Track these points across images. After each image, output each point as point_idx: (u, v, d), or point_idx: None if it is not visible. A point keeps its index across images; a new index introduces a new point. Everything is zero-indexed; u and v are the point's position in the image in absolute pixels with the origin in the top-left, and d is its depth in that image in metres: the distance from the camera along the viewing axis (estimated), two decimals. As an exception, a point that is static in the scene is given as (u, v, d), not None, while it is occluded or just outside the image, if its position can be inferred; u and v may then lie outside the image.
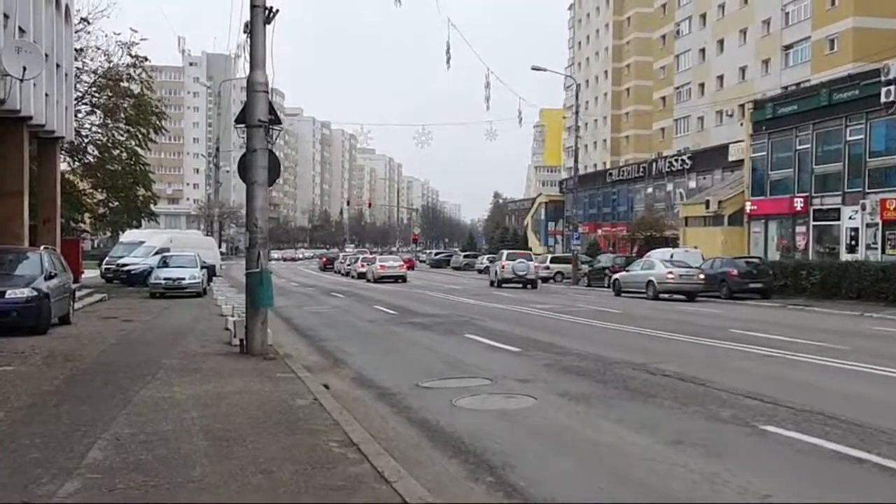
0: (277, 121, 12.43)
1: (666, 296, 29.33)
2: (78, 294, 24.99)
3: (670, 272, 29.96)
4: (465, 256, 79.00)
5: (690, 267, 30.78)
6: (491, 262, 49.19)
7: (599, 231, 75.55)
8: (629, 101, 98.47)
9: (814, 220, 37.40)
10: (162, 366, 10.98)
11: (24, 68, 17.26)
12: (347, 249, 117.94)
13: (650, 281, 30.18)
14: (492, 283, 41.23)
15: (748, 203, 41.82)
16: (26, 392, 8.75)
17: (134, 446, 6.36)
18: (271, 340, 12.74)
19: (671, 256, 35.15)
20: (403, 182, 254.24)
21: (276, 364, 11.43)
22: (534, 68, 46.41)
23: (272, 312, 17.55)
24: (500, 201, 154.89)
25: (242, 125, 12.43)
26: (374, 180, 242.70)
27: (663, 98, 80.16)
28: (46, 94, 22.28)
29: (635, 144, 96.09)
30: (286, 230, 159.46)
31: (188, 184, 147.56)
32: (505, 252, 43.28)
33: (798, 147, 38.39)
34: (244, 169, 12.34)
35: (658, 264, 31.13)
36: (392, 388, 10.29)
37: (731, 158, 51.69)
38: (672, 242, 54.17)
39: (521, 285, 38.46)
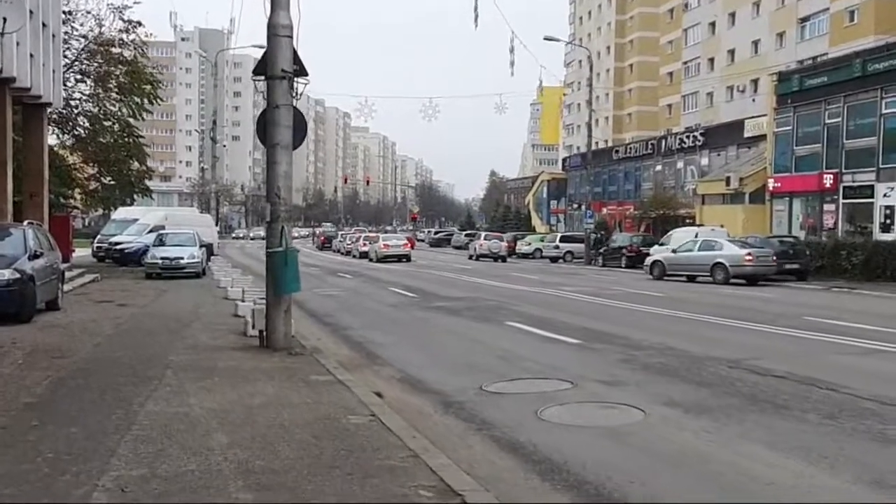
0: (303, 71, 10.44)
1: (706, 278, 27.07)
2: (68, 275, 22.98)
3: (749, 254, 26.67)
4: (466, 235, 76.99)
5: (764, 247, 28.13)
6: (470, 241, 59.63)
7: (605, 210, 73.65)
8: (633, 77, 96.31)
9: (844, 197, 35.52)
10: (169, 364, 9.06)
11: (4, 20, 15.21)
12: (345, 228, 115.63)
13: (719, 264, 26.76)
14: (470, 257, 50.86)
15: (771, 180, 39.91)
16: (-1, 405, 6.81)
17: (147, 501, 4.46)
18: (293, 331, 10.83)
19: (696, 235, 33.28)
20: (397, 161, 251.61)
21: (304, 361, 9.53)
22: (546, 38, 44.34)
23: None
24: (497, 180, 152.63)
25: (261, 77, 10.44)
26: (367, 159, 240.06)
27: (670, 73, 78.06)
28: (31, 55, 20.19)
29: (639, 122, 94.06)
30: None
31: (181, 161, 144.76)
32: (482, 233, 57.20)
33: (827, 121, 36.43)
34: (264, 128, 10.36)
35: (728, 244, 27.86)
36: (453, 393, 8.41)
37: (747, 134, 49.80)
38: (686, 221, 52.41)
39: (493, 259, 48.54)
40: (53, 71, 22.58)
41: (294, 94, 10.36)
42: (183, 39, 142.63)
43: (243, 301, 14.54)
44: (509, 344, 12.01)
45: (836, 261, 28.14)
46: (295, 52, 10.35)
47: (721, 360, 10.11)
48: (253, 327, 10.51)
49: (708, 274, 27.04)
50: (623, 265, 38.40)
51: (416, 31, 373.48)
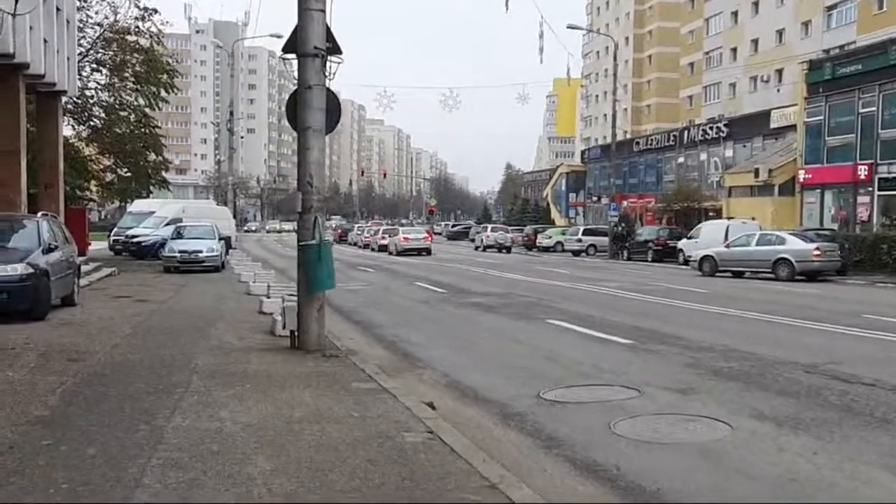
0: (337, 49, 9.60)
1: (749, 273, 25.93)
2: (84, 269, 22.32)
3: (817, 248, 25.11)
4: (493, 230, 76.01)
5: (832, 241, 26.85)
6: (478, 233, 62.58)
7: (625, 202, 72.65)
8: (651, 68, 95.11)
9: (879, 189, 34.39)
10: (195, 369, 8.26)
11: (16, 0, 14.39)
12: (363, 222, 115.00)
13: (783, 259, 25.08)
14: (476, 248, 54.55)
15: (801, 171, 38.77)
16: (6, 421, 6.02)
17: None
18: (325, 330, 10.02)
19: (727, 229, 32.32)
20: (412, 154, 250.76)
21: (341, 365, 8.72)
22: (570, 27, 43.40)
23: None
24: (513, 173, 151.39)
25: (291, 55, 9.60)
26: (382, 151, 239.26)
27: (691, 64, 76.78)
28: (45, 41, 19.44)
29: (657, 114, 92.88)
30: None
31: (196, 154, 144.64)
32: (489, 226, 63.01)
33: (861, 110, 35.29)
34: (295, 111, 9.54)
35: (792, 238, 26.25)
36: (509, 402, 7.57)
37: (773, 125, 48.64)
38: (710, 214, 51.32)
39: (497, 249, 51.97)
40: (68, 58, 21.84)
41: (327, 74, 9.53)
42: (197, 32, 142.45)
43: (268, 297, 13.76)
44: (556, 344, 11.16)
45: (876, 255, 27.09)
46: (328, 28, 9.52)
47: (795, 365, 9.22)
48: (284, 327, 9.71)
49: (767, 271, 25.37)
50: (650, 259, 37.43)
51: (428, 22, 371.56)
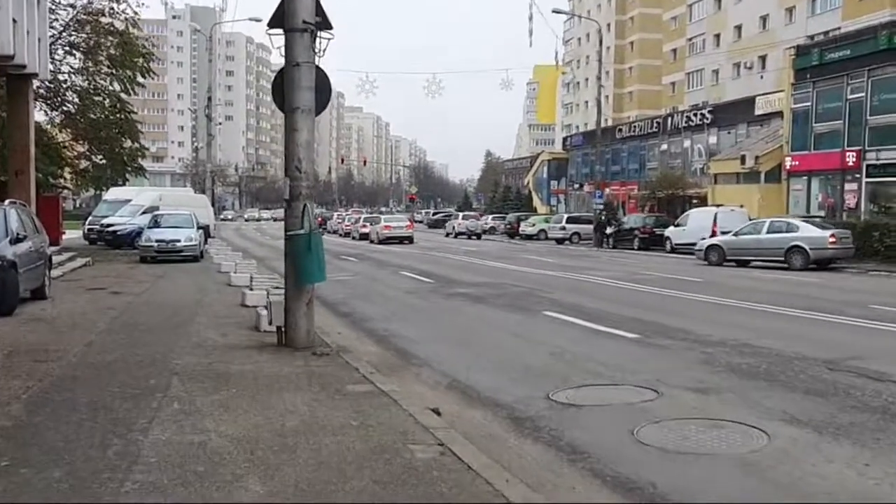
0: (327, 24, 8.90)
1: (759, 262, 25.32)
2: (57, 259, 21.49)
3: (832, 235, 24.25)
4: (464, 217, 75.49)
5: (845, 228, 26.13)
6: (448, 221, 65.70)
7: (608, 190, 72.33)
8: (633, 55, 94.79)
9: (867, 176, 34.10)
10: (175, 369, 7.59)
11: (-19, -25, 13.58)
12: (343, 210, 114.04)
13: (797, 248, 24.16)
14: (447, 235, 56.76)
15: (788, 158, 38.43)
16: (-38, 434, 5.32)
17: None
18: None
19: (715, 216, 31.92)
20: (391, 141, 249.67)
21: (333, 363, 8.08)
22: (555, 11, 42.68)
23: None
24: (493, 160, 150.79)
25: (278, 31, 8.90)
26: (361, 139, 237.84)
27: (674, 50, 76.47)
28: (14, 20, 18.56)
29: (640, 101, 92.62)
30: (274, 189, 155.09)
31: (173, 142, 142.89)
32: (460, 213, 66.68)
33: (850, 96, 34.94)
34: (282, 91, 8.85)
35: (806, 225, 25.46)
36: (518, 405, 6.97)
37: (758, 112, 48.31)
38: (694, 202, 51.00)
39: (467, 236, 53.96)
40: (39, 39, 20.89)
41: (316, 51, 8.84)
42: (174, 17, 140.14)
43: (251, 290, 13.07)
44: (557, 339, 10.57)
45: (867, 243, 26.72)
46: (317, 1, 8.82)
47: (815, 361, 8.68)
48: (270, 323, 9.04)
49: (779, 260, 24.53)
50: (635, 247, 36.99)
51: (402, 6, 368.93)
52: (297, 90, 8.66)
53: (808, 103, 37.52)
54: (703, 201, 49.62)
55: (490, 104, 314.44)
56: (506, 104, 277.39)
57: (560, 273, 21.65)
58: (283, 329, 8.93)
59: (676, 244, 34.61)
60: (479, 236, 54.66)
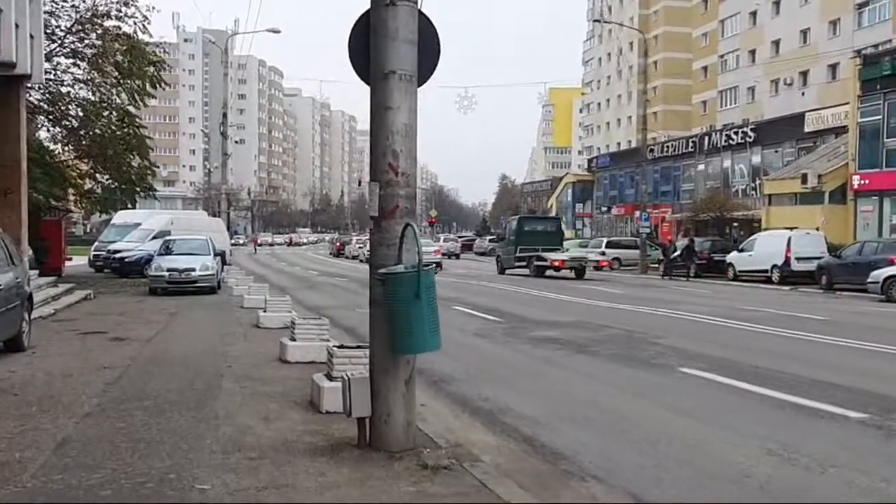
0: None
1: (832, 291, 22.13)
2: (53, 292, 18.41)
3: None
4: (490, 241, 72.30)
5: None
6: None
7: (637, 213, 69.27)
8: (658, 74, 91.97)
9: (951, 195, 30.85)
10: (201, 510, 4.37)
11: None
12: (354, 234, 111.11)
13: None
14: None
15: (855, 177, 35.17)
16: None
17: None
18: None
19: (789, 240, 28.64)
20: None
21: (459, 484, 4.85)
22: (595, 20, 39.70)
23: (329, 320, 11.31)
24: (509, 183, 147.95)
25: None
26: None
27: (705, 68, 73.61)
28: (0, 10, 15.61)
29: (664, 121, 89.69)
30: (287, 214, 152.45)
31: (184, 166, 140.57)
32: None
33: (927, 108, 31.79)
34: (364, 46, 5.67)
35: None
36: None
37: (808, 129, 45.25)
38: (734, 224, 47.68)
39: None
40: (32, 36, 17.88)
41: (416, -10, 5.67)
42: (186, 40, 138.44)
43: (293, 339, 9.84)
44: (747, 421, 7.27)
45: None
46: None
47: None
48: (349, 413, 5.72)
49: None
50: (691, 274, 33.58)
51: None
52: (392, 44, 5.48)
53: (878, 117, 34.35)
54: (750, 224, 46.45)
55: (500, 127, 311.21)
56: (516, 127, 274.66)
57: (642, 308, 18.32)
58: (365, 422, 5.69)
59: (741, 271, 31.36)
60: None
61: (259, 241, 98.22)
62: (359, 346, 7.31)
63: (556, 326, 14.58)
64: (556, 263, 31.77)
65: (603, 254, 44.88)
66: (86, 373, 8.77)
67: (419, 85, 5.68)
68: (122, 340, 11.64)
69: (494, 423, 7.26)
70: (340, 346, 7.19)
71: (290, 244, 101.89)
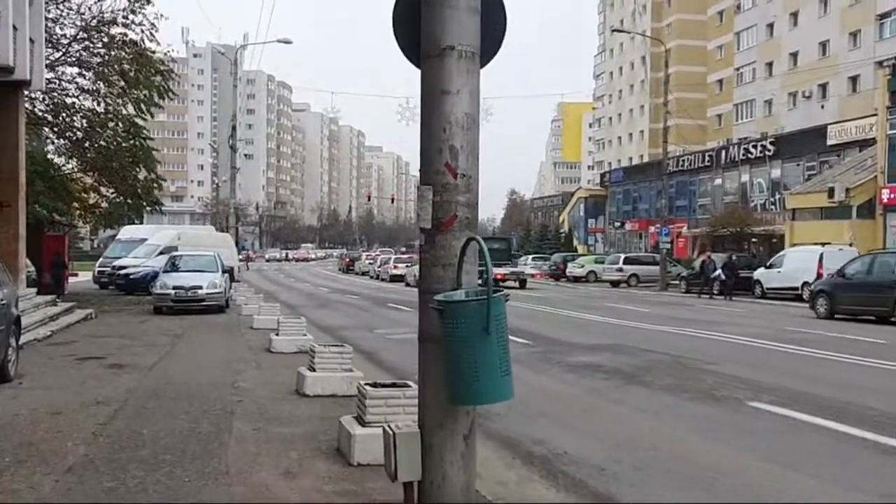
0: None
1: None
2: (52, 311, 17.31)
3: None
4: (503, 257, 71.20)
5: None
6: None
7: (652, 228, 68.08)
8: (671, 87, 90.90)
9: None
10: None
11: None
12: (361, 250, 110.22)
13: None
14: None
15: (885, 190, 33.92)
16: None
17: None
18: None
19: (821, 256, 27.38)
20: (410, 181, 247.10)
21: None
22: (615, 30, 38.77)
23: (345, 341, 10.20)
24: (517, 199, 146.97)
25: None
26: (381, 179, 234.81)
27: (720, 81, 72.51)
28: (-4, 11, 14.63)
29: (677, 135, 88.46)
30: (295, 229, 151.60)
31: (192, 181, 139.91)
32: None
33: (962, 119, 30.59)
34: (412, 18, 4.54)
35: None
36: None
37: (830, 142, 44.13)
38: (753, 239, 46.47)
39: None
40: (31, 40, 16.92)
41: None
42: (195, 56, 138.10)
43: (313, 370, 8.69)
44: (857, 470, 6.12)
45: None
46: None
47: None
48: (394, 477, 4.53)
49: None
50: (715, 292, 32.28)
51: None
52: (450, 13, 4.36)
53: (909, 127, 33.13)
54: (769, 239, 45.23)
55: (508, 142, 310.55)
56: (523, 142, 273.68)
57: (680, 329, 17.10)
58: (416, 485, 4.52)
59: (769, 288, 30.12)
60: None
61: (267, 258, 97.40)
62: (394, 384, 6.16)
63: (594, 351, 13.38)
64: (499, 276, 36.04)
65: (620, 270, 43.74)
66: (76, 410, 7.63)
67: (482, 65, 4.55)
68: (121, 368, 10.52)
69: (555, 474, 6.09)
70: (374, 385, 6.03)
71: (297, 260, 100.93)
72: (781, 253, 31.58)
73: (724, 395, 9.27)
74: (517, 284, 39.06)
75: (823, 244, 28.90)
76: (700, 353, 13.04)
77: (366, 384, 6.07)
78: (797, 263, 28.53)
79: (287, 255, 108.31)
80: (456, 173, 4.38)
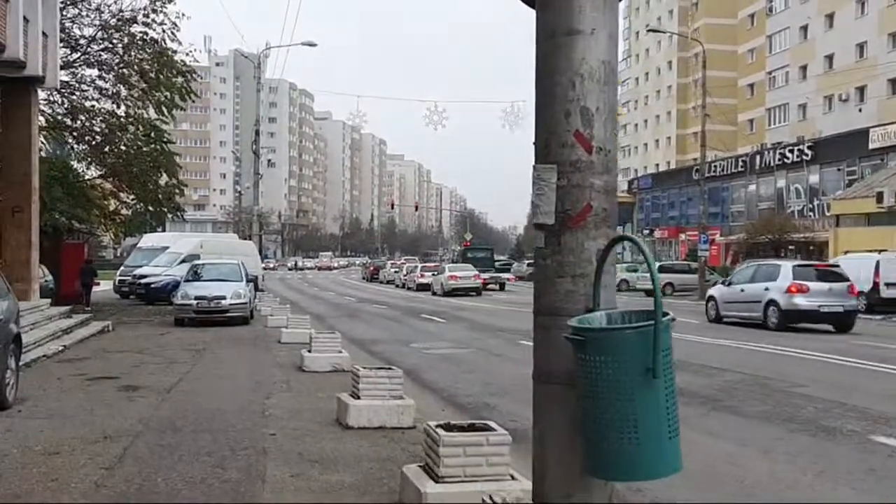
0: None
1: None
2: (66, 324, 16.16)
3: None
4: (528, 265, 69.82)
5: None
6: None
7: (682, 236, 66.53)
8: (698, 92, 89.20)
9: None
10: None
11: None
12: (384, 258, 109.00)
13: None
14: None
15: (938, 195, 32.35)
16: None
17: None
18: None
19: (877, 264, 25.81)
20: (432, 189, 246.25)
21: None
22: (651, 30, 37.44)
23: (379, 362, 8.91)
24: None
25: None
26: (403, 187, 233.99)
27: (751, 86, 70.81)
28: (6, 0, 13.55)
29: (708, 140, 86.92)
30: (317, 237, 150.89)
31: (214, 189, 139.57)
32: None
33: None
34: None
35: None
36: None
37: (872, 146, 42.48)
38: (790, 247, 44.82)
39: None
40: (45, 34, 15.86)
41: None
42: (217, 64, 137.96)
43: (357, 397, 7.41)
44: None
45: None
46: None
47: None
48: None
49: None
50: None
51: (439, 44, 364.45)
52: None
53: (965, 129, 31.51)
54: (808, 246, 43.61)
55: (521, 150, 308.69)
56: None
57: (743, 344, 15.67)
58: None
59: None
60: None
61: (289, 266, 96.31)
62: (473, 427, 4.86)
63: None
64: (483, 280, 41.14)
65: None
66: (78, 448, 6.39)
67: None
68: (136, 390, 9.30)
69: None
70: (447, 427, 4.73)
71: (319, 269, 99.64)
72: (832, 261, 29.97)
73: (835, 425, 7.91)
74: (497, 287, 44.80)
75: (880, 251, 27.30)
76: (777, 371, 11.62)
77: (437, 426, 4.78)
78: (850, 272, 26.90)
79: (297, 263, 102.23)
80: (591, 146, 3.09)
